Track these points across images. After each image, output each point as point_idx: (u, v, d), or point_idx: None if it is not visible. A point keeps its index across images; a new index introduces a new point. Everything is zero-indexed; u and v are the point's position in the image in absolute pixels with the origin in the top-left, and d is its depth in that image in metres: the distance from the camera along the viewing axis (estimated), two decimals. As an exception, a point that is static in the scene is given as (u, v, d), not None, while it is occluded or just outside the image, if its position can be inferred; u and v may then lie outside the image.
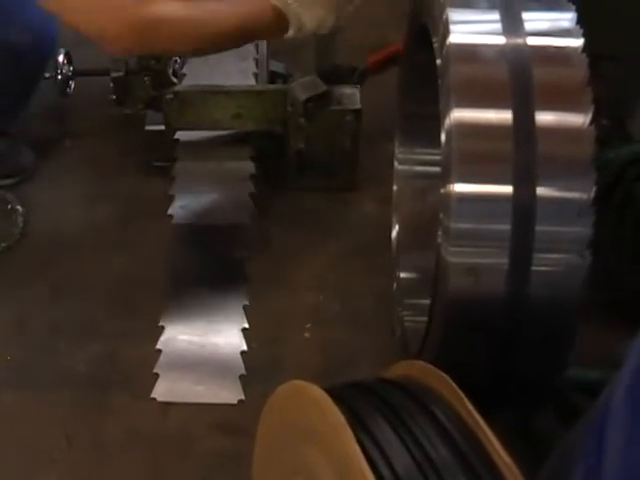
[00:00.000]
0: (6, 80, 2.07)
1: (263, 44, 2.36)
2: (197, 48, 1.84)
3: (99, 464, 1.77)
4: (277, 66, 2.31)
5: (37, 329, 2.00)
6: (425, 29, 1.56)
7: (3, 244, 2.13)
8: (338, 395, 1.25)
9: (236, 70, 2.28)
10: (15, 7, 2.01)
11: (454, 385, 1.26)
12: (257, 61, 2.32)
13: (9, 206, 2.21)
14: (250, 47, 2.35)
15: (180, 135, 2.20)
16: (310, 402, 1.23)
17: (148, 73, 2.08)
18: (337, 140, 2.10)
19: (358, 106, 2.07)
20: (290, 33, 1.81)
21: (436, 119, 1.44)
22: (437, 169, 1.82)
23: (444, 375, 1.28)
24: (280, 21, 1.79)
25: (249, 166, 2.17)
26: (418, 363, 1.36)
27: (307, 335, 1.97)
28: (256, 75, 2.28)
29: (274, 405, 1.38)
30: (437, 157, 1.83)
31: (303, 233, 2.14)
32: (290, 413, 1.32)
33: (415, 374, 1.33)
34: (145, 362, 1.92)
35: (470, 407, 1.23)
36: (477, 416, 1.22)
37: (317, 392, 1.22)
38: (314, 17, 1.80)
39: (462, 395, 1.25)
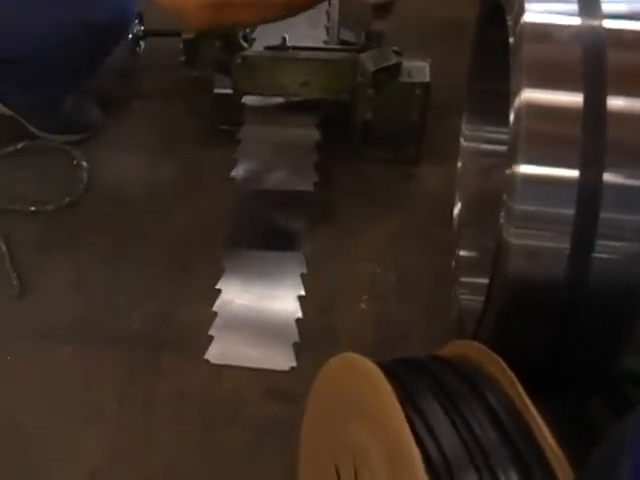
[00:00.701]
0: (84, 56, 2.09)
1: (335, 12, 2.35)
2: (264, 18, 1.93)
3: (149, 423, 1.79)
4: (348, 34, 2.30)
5: (95, 286, 2.02)
6: (499, 6, 1.53)
7: (67, 199, 2.16)
8: (391, 371, 1.24)
9: (307, 37, 2.27)
10: None
11: (507, 369, 1.25)
12: (328, 29, 2.31)
13: (75, 162, 2.23)
14: (321, 14, 2.35)
15: (247, 100, 2.20)
16: (362, 376, 1.23)
17: (218, 37, 2.07)
18: (405, 113, 2.09)
19: (427, 79, 2.05)
20: None
21: (505, 97, 1.41)
22: (503, 148, 1.82)
23: (498, 358, 1.27)
24: None
25: (314, 134, 2.17)
26: (473, 343, 1.35)
27: (363, 306, 1.97)
28: (326, 43, 2.27)
29: (326, 376, 1.38)
30: (504, 136, 1.82)
31: (365, 204, 2.14)
32: (342, 385, 1.32)
33: (470, 354, 1.33)
34: (200, 324, 1.93)
35: (522, 392, 1.23)
36: (528, 401, 1.22)
37: (370, 366, 1.22)
38: None
39: (515, 379, 1.24)
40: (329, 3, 2.40)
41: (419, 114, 2.08)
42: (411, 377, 1.27)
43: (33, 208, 2.14)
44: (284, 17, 1.92)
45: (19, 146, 2.26)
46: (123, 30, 2.15)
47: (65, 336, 1.92)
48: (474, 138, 1.95)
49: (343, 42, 2.28)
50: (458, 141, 2.01)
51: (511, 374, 1.24)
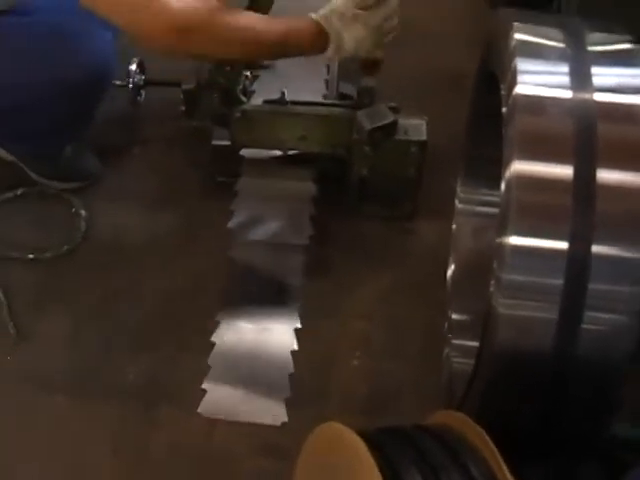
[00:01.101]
0: (65, 112, 2.10)
1: (334, 65, 2.37)
2: (234, 55, 1.91)
3: (142, 476, 1.79)
4: (348, 88, 2.31)
5: (90, 336, 2.03)
6: (494, 76, 1.55)
7: (65, 247, 2.17)
8: (375, 442, 1.25)
9: (306, 90, 2.28)
10: (70, 48, 2.04)
11: (489, 441, 1.26)
12: (327, 82, 2.33)
13: (73, 210, 2.24)
14: (321, 68, 2.37)
15: (245, 152, 2.21)
16: (348, 449, 1.24)
17: (217, 90, 2.09)
18: (401, 170, 2.10)
19: (424, 138, 2.07)
20: (329, 52, 1.90)
21: (499, 163, 1.43)
22: (497, 210, 1.84)
23: (482, 430, 1.28)
24: (320, 38, 1.89)
25: (311, 188, 2.18)
26: (457, 415, 1.36)
27: (355, 363, 1.97)
28: (325, 97, 2.29)
29: (313, 444, 1.39)
30: (498, 199, 1.85)
31: (360, 260, 2.15)
32: (328, 455, 1.33)
33: (454, 425, 1.33)
34: (194, 377, 1.93)
35: (503, 465, 1.23)
36: (508, 475, 1.22)
37: (355, 440, 1.23)
38: (353, 37, 1.89)
39: (496, 452, 1.25)
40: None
41: (415, 171, 2.10)
42: (396, 449, 1.27)
43: (31, 256, 2.15)
44: (251, 57, 1.96)
45: (19, 192, 2.28)
46: (101, 88, 2.14)
47: (60, 387, 1.93)
48: (469, 200, 1.97)
49: (343, 96, 2.28)
50: (454, 195, 2.03)
51: (493, 447, 1.25)
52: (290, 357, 1.96)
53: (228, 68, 2.08)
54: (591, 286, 1.34)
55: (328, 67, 2.37)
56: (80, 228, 2.21)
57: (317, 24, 1.89)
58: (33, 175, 2.28)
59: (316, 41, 1.90)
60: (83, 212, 2.23)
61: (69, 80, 2.01)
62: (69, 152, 2.26)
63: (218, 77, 2.09)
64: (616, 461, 1.61)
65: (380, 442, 1.26)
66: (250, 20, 1.88)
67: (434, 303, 2.01)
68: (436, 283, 2.03)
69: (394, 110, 2.07)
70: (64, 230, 2.21)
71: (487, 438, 1.26)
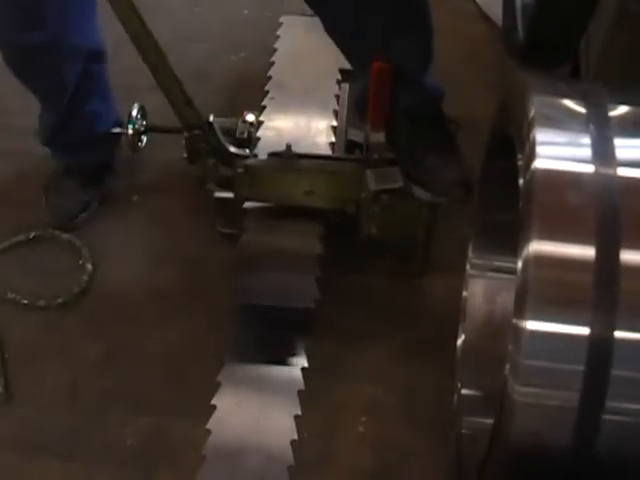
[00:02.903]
0: None
1: (343, 110, 2.30)
2: None
3: None
4: (356, 135, 2.24)
5: (88, 395, 1.96)
6: (510, 140, 1.48)
7: (59, 299, 2.11)
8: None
9: (313, 137, 2.22)
10: None
11: None
12: (335, 129, 2.26)
13: (80, 261, 2.18)
14: (329, 114, 2.30)
15: (249, 205, 2.14)
16: None
17: (211, 156, 2.05)
18: (411, 229, 2.03)
19: (434, 199, 1.98)
20: None
21: (514, 227, 1.36)
22: (512, 276, 1.77)
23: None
24: None
25: (317, 247, 2.09)
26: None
27: (361, 429, 1.90)
28: (333, 145, 2.22)
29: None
30: (512, 264, 1.77)
31: (368, 319, 2.07)
32: None
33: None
34: (193, 441, 1.86)
35: None
36: None
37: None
38: None
39: None
40: (338, 102, 2.35)
41: (426, 231, 2.02)
42: None
43: (25, 301, 2.10)
44: None
45: (31, 235, 2.23)
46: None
47: (53, 450, 1.86)
48: (481, 266, 1.89)
49: (351, 143, 2.21)
50: (464, 248, 1.95)
51: None
52: (293, 422, 1.89)
53: (197, 131, 2.04)
54: (614, 373, 1.26)
55: (336, 113, 2.30)
56: (83, 279, 2.14)
57: None
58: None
59: None
60: (89, 266, 2.17)
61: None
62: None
63: (199, 144, 2.05)
64: None
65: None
66: None
67: (445, 365, 1.93)
68: (447, 343, 1.94)
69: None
70: (66, 279, 2.15)
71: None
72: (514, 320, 1.30)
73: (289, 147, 2.04)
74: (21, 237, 2.23)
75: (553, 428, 1.29)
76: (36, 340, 2.06)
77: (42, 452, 1.86)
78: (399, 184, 1.94)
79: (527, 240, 1.30)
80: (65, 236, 2.23)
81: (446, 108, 2.34)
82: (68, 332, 2.07)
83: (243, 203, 2.13)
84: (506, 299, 1.78)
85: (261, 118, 2.26)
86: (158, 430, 1.89)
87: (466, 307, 1.89)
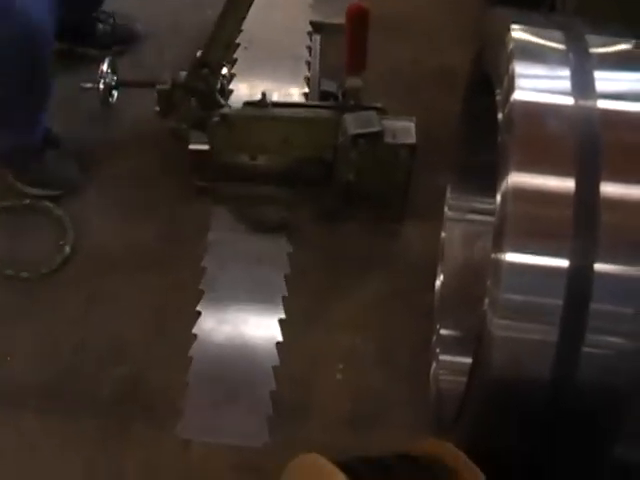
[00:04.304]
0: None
1: (316, 61, 2.28)
2: None
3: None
4: (329, 85, 2.21)
5: (64, 347, 1.93)
6: (488, 78, 1.46)
7: (50, 260, 2.08)
8: (357, 475, 1.16)
9: (287, 88, 2.19)
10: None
11: (484, 480, 1.17)
12: (308, 80, 2.23)
13: (57, 218, 2.15)
14: (302, 64, 2.27)
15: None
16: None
17: (194, 93, 1.99)
18: (389, 174, 2.00)
19: (413, 141, 1.96)
20: None
21: (493, 167, 1.34)
22: (490, 218, 1.75)
23: (477, 469, 1.19)
24: None
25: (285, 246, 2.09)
26: (450, 447, 1.27)
27: (339, 377, 1.88)
28: (307, 95, 2.19)
29: (294, 473, 1.29)
30: (491, 206, 1.76)
31: (344, 267, 2.06)
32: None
33: (446, 458, 1.24)
34: (171, 392, 1.85)
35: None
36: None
37: (336, 474, 1.13)
38: None
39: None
40: (310, 53, 2.33)
41: (404, 176, 2.00)
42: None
43: (10, 272, 2.06)
44: None
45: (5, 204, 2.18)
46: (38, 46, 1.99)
47: (29, 402, 1.84)
48: (459, 207, 1.88)
49: (324, 93, 2.19)
50: (443, 196, 1.94)
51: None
52: (272, 373, 1.87)
53: (206, 71, 1.98)
54: (593, 307, 1.25)
55: (309, 64, 2.27)
56: (67, 240, 2.11)
57: None
58: (17, 183, 2.18)
59: None
60: (68, 221, 2.13)
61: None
62: (51, 159, 2.16)
63: (196, 81, 1.99)
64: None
65: (362, 475, 1.17)
66: None
67: (423, 312, 1.93)
68: (425, 290, 1.95)
69: (380, 111, 1.96)
70: (43, 241, 2.12)
71: (481, 475, 1.16)
72: (492, 255, 1.29)
73: (264, 95, 2.01)
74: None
75: (532, 361, 1.27)
76: (13, 299, 2.03)
77: (17, 404, 1.83)
78: (377, 128, 1.91)
79: (506, 173, 1.28)
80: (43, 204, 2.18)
81: (425, 58, 2.35)
82: (46, 288, 2.04)
83: (218, 155, 2.10)
84: (484, 241, 1.76)
85: (233, 71, 2.23)
86: (135, 381, 1.87)
87: (444, 249, 1.88)
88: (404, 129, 1.97)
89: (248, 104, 2.04)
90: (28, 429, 1.81)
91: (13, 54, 1.92)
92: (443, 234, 1.90)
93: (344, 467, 1.16)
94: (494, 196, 1.33)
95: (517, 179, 1.27)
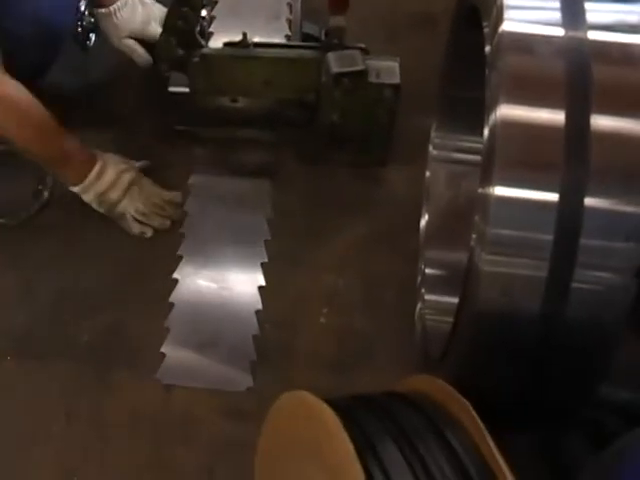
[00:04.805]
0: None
1: (297, 4, 2.22)
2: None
3: (98, 442, 1.70)
4: (311, 28, 2.17)
5: (42, 294, 1.91)
6: (475, 10, 1.42)
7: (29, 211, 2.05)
8: (349, 413, 1.15)
9: (268, 31, 2.14)
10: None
11: (475, 414, 1.16)
12: (290, 22, 2.18)
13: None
14: (283, 7, 2.22)
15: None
16: (320, 423, 1.13)
17: (174, 32, 1.95)
18: (373, 115, 1.96)
19: (397, 81, 1.92)
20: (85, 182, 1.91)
21: (480, 105, 1.31)
22: (476, 157, 1.73)
23: (466, 402, 1.17)
24: (85, 165, 1.91)
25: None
26: (439, 382, 1.25)
27: (323, 320, 1.87)
28: (288, 37, 2.14)
29: (279, 413, 1.28)
30: (477, 144, 1.73)
31: (327, 210, 2.03)
32: (298, 425, 1.22)
33: (434, 394, 1.23)
34: (152, 339, 1.83)
35: (489, 440, 1.13)
36: (495, 450, 1.12)
37: (325, 411, 1.12)
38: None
39: (482, 426, 1.14)
40: (291, -6, 2.28)
41: (388, 116, 1.96)
42: (370, 420, 1.17)
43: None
44: (21, 142, 1.85)
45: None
46: (52, 41, 2.02)
47: (9, 349, 1.82)
48: (444, 146, 1.85)
49: (307, 36, 2.15)
50: (427, 141, 1.92)
51: (479, 421, 1.14)
52: (254, 317, 1.85)
53: (186, 9, 1.93)
54: (583, 242, 1.22)
55: (290, 6, 2.22)
56: (45, 186, 2.08)
57: (91, 154, 1.92)
58: None
59: (81, 162, 1.90)
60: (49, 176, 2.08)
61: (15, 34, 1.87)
62: None
63: (175, 19, 1.94)
64: (598, 425, 1.52)
65: (351, 411, 1.16)
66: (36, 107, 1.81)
67: (407, 254, 1.91)
68: (409, 233, 1.93)
69: (363, 51, 1.93)
70: (26, 188, 2.08)
71: (470, 408, 1.15)
72: (480, 189, 1.26)
73: (245, 36, 1.96)
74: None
75: (521, 297, 1.25)
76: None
77: (-5, 351, 1.80)
78: (361, 67, 1.87)
79: (494, 105, 1.25)
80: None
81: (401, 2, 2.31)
82: (24, 233, 2.01)
83: (198, 98, 2.05)
84: (470, 180, 1.74)
85: (213, 13, 2.18)
86: (115, 328, 1.85)
87: (429, 188, 1.86)
88: (388, 69, 1.93)
89: (228, 45, 1.99)
90: (6, 374, 1.79)
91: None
92: (428, 173, 1.87)
93: (331, 404, 1.14)
94: (480, 134, 1.30)
95: (506, 111, 1.24)
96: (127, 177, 1.94)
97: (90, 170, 1.90)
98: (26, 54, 1.89)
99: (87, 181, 1.90)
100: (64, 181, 1.94)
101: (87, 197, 1.93)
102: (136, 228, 1.97)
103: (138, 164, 2.02)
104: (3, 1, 1.87)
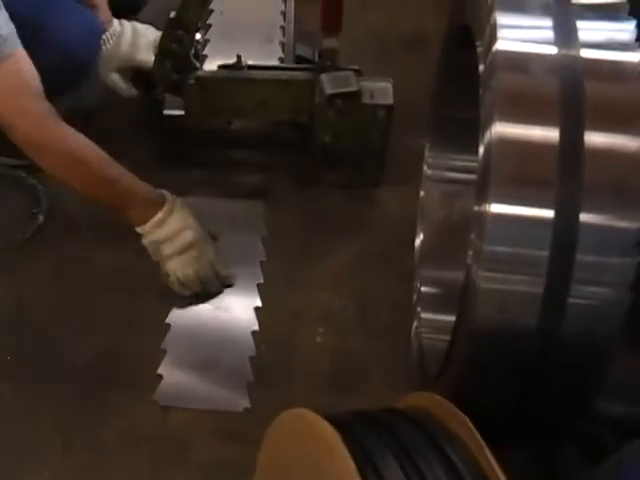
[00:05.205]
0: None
1: (290, 26, 2.25)
2: (71, 182, 1.81)
3: (94, 466, 1.69)
4: (304, 50, 2.20)
5: (37, 315, 1.91)
6: (468, 29, 1.44)
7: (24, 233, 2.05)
8: (349, 429, 1.15)
9: (261, 53, 2.16)
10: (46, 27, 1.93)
11: (474, 429, 1.16)
12: (283, 45, 2.21)
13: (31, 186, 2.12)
14: (276, 30, 2.25)
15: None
16: (320, 439, 1.13)
17: (168, 56, 1.96)
18: (366, 136, 1.99)
19: (390, 101, 1.94)
20: (147, 226, 1.84)
21: (472, 124, 1.33)
22: (470, 176, 1.74)
23: (465, 417, 1.17)
24: (149, 209, 1.83)
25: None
26: (437, 398, 1.26)
27: (319, 340, 1.87)
28: (282, 59, 2.17)
29: (279, 431, 1.28)
30: (471, 163, 1.74)
31: (322, 231, 2.04)
32: (297, 443, 1.22)
33: (433, 409, 1.23)
34: (148, 360, 1.83)
35: (489, 455, 1.13)
36: (495, 465, 1.12)
37: (328, 430, 1.12)
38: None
39: (481, 441, 1.14)
40: (284, 18, 2.30)
41: (382, 137, 1.98)
42: (370, 436, 1.17)
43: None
44: (85, 190, 1.83)
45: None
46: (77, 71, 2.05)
47: (5, 372, 1.81)
48: (438, 165, 1.86)
49: (299, 58, 2.17)
50: (420, 161, 1.92)
51: (478, 436, 1.15)
52: (251, 338, 1.86)
53: (180, 32, 1.94)
54: (579, 257, 1.23)
55: (283, 29, 2.25)
56: (40, 208, 2.09)
57: (159, 196, 1.85)
58: None
59: (144, 204, 1.83)
60: (39, 187, 2.11)
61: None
62: None
63: (169, 42, 1.95)
64: (593, 439, 1.53)
65: (351, 427, 1.16)
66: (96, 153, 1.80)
67: (402, 275, 1.92)
68: (403, 253, 1.94)
69: (357, 73, 1.95)
70: (22, 211, 2.09)
71: (469, 423, 1.16)
72: (476, 207, 1.27)
73: (239, 58, 1.98)
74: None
75: (518, 313, 1.26)
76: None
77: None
78: (354, 88, 1.89)
79: (489, 123, 1.26)
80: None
81: (400, 22, 2.32)
82: (19, 256, 2.01)
83: (193, 120, 2.07)
84: (464, 199, 1.75)
85: (207, 36, 2.20)
86: (111, 348, 1.85)
87: (423, 207, 1.87)
88: (381, 90, 1.96)
89: (223, 67, 2.01)
90: (3, 396, 1.78)
91: None
92: (422, 192, 1.88)
93: (331, 420, 1.14)
94: (473, 153, 1.31)
95: (501, 129, 1.25)
96: (188, 235, 1.85)
97: (153, 215, 1.83)
98: (56, 83, 1.88)
99: (146, 227, 1.83)
100: (129, 221, 1.86)
101: (144, 241, 1.86)
102: (176, 287, 1.89)
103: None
104: (35, 32, 1.86)
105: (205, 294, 1.91)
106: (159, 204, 1.83)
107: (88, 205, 2.05)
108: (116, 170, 1.81)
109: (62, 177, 1.80)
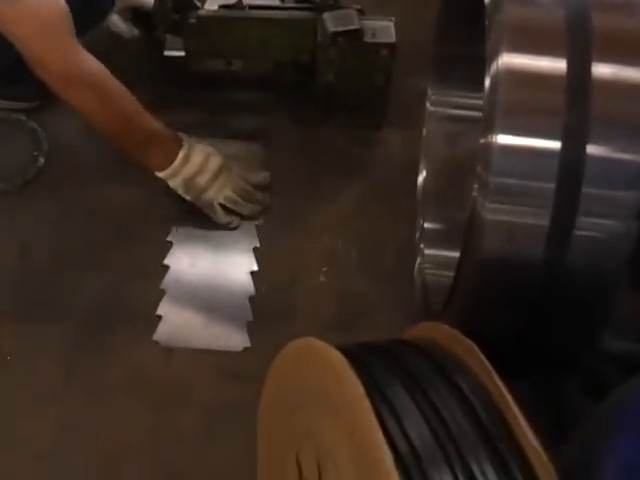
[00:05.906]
0: None
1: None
2: (101, 123, 1.81)
3: (98, 405, 1.70)
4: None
5: (39, 256, 1.91)
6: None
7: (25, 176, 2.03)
8: (355, 357, 1.14)
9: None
10: None
11: (482, 356, 1.16)
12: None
13: (31, 129, 2.10)
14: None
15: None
16: (327, 366, 1.13)
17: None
18: (369, 75, 1.97)
19: (393, 40, 1.92)
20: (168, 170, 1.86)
21: (476, 60, 1.32)
22: (473, 113, 1.73)
23: (473, 344, 1.17)
24: (173, 149, 1.85)
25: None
26: (443, 327, 1.26)
27: (322, 279, 1.87)
28: (283, 1, 2.14)
29: (285, 360, 1.28)
30: (474, 101, 1.73)
31: (325, 172, 2.03)
32: (302, 372, 1.22)
33: (440, 339, 1.23)
34: (148, 301, 1.83)
35: (498, 382, 1.13)
36: (505, 391, 1.12)
37: (334, 355, 1.11)
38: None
39: (490, 368, 1.15)
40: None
41: (384, 76, 1.97)
42: (378, 365, 1.17)
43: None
44: (111, 133, 1.83)
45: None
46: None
47: (6, 311, 1.82)
48: (441, 103, 1.85)
49: (301, -1, 2.15)
50: (423, 103, 1.91)
51: (486, 362, 1.15)
52: (250, 278, 1.86)
53: None
54: (585, 189, 1.23)
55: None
56: (41, 151, 2.07)
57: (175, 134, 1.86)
58: None
59: (167, 145, 1.84)
60: (40, 131, 2.10)
61: None
62: (26, 72, 2.10)
63: None
64: (598, 375, 1.53)
65: (360, 358, 1.16)
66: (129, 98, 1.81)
67: (405, 215, 1.91)
68: (407, 193, 1.92)
69: (359, 12, 1.93)
70: (22, 154, 2.07)
71: (480, 354, 1.15)
72: (482, 139, 1.26)
73: (240, -4, 1.97)
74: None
75: (524, 245, 1.26)
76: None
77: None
78: (356, 26, 1.88)
79: (496, 55, 1.25)
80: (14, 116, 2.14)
81: None
82: (20, 199, 2.01)
83: (194, 61, 2.05)
84: (467, 136, 1.75)
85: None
86: (111, 290, 1.85)
87: (427, 145, 1.86)
88: (383, 29, 1.94)
89: (224, 7, 1.99)
90: (5, 336, 1.78)
91: None
92: (425, 130, 1.87)
93: (340, 349, 1.14)
94: (477, 90, 1.30)
95: (508, 60, 1.24)
96: (215, 161, 1.87)
97: (177, 154, 1.84)
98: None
99: (174, 165, 1.84)
100: (149, 167, 1.86)
101: (174, 182, 1.86)
102: (223, 218, 1.91)
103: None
104: None
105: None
106: (179, 141, 1.85)
107: (89, 149, 2.07)
108: (139, 108, 1.81)
109: (90, 113, 1.79)
